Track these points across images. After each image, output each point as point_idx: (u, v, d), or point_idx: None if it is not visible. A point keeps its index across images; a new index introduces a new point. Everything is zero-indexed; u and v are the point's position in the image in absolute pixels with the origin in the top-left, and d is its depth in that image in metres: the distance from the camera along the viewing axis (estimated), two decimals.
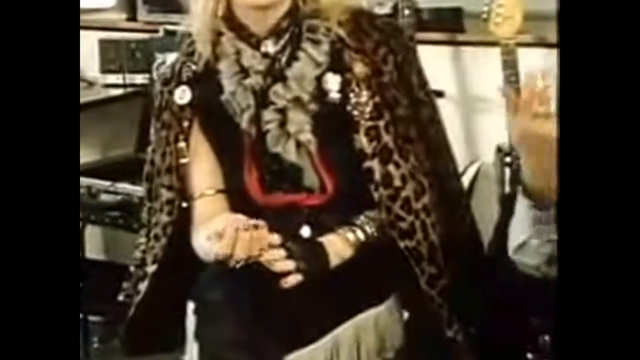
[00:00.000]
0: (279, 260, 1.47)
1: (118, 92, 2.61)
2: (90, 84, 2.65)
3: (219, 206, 1.58)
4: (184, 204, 1.59)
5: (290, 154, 1.54)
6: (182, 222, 1.59)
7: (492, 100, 2.28)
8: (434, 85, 1.66)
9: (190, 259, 1.58)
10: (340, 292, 1.52)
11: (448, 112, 2.05)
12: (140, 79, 2.60)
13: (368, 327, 1.53)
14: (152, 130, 1.64)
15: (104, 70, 2.65)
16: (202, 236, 1.51)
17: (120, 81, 2.63)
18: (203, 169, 1.59)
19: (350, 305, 1.53)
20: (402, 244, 1.52)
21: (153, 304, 1.60)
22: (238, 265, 1.42)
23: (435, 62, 2.17)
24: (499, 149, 2.23)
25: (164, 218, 1.58)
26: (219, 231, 1.40)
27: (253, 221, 1.43)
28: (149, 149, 1.65)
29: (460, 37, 2.41)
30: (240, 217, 1.45)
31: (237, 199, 1.59)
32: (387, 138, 1.52)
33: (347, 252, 1.54)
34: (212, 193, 1.59)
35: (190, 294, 1.54)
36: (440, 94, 2.20)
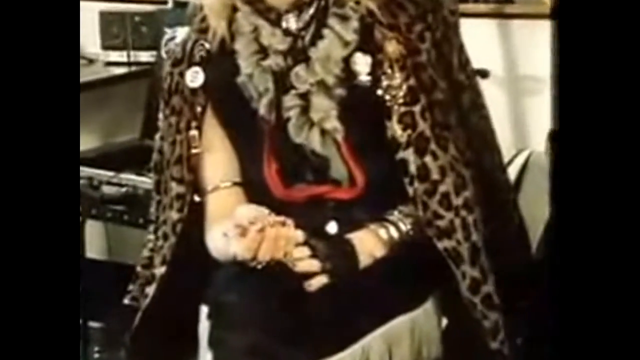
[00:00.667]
0: (302, 259, 1.49)
1: (121, 71, 2.61)
2: (90, 61, 2.65)
3: (236, 200, 1.60)
4: (196, 199, 1.62)
5: (314, 143, 1.55)
6: (194, 219, 1.61)
7: (543, 80, 2.28)
8: (477, 64, 1.67)
9: (204, 258, 1.60)
10: (371, 296, 1.54)
11: (493, 94, 2.06)
12: (146, 56, 2.59)
13: (402, 334, 1.55)
14: (160, 116, 1.66)
15: (106, 46, 2.64)
16: (217, 234, 1.53)
17: (123, 59, 2.62)
18: (217, 160, 1.62)
19: (382, 310, 1.54)
20: (440, 245, 1.53)
21: (162, 308, 1.62)
22: (259, 266, 1.45)
23: (479, 37, 2.17)
24: (552, 136, 2.22)
25: (174, 215, 1.61)
26: (240, 223, 1.42)
27: (279, 218, 1.46)
28: (157, 136, 1.68)
29: (509, 9, 2.41)
30: (264, 211, 1.47)
31: (255, 192, 1.61)
32: (423, 125, 1.53)
33: (379, 251, 1.55)
34: (227, 186, 1.61)
35: (204, 297, 1.57)
36: (484, 74, 2.21)
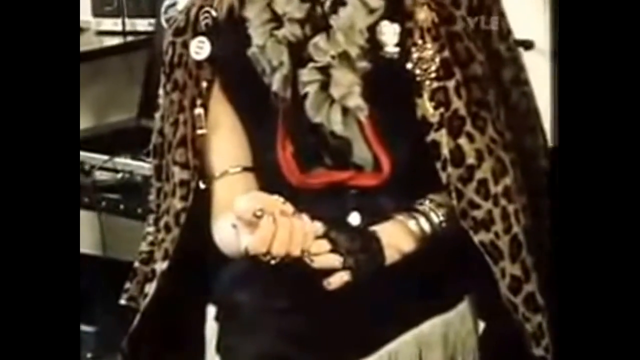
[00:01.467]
0: (321, 254, 1.50)
1: (115, 41, 2.59)
2: (81, 30, 2.64)
3: (246, 187, 1.61)
4: (202, 185, 1.64)
5: (335, 123, 1.57)
6: (200, 208, 1.63)
7: None
8: (520, 34, 1.68)
9: (211, 253, 1.63)
10: (398, 295, 1.55)
11: (537, 68, 2.05)
12: (143, 25, 2.58)
13: (433, 339, 1.56)
14: (160, 92, 1.68)
15: (98, 13, 2.62)
16: (225, 225, 1.54)
17: (118, 27, 2.60)
18: (226, 142, 1.64)
19: (411, 312, 1.56)
20: (476, 238, 1.54)
21: (164, 309, 1.64)
22: (273, 262, 1.45)
23: (523, 4, 2.17)
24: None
25: (177, 204, 1.63)
26: (242, 216, 1.43)
27: (292, 209, 1.46)
28: (157, 115, 1.69)
29: None
30: (278, 199, 1.47)
31: (268, 178, 1.63)
32: (457, 103, 1.54)
33: (408, 246, 1.57)
34: (237, 171, 1.63)
35: (211, 296, 1.59)
36: (528, 46, 2.21)
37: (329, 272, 1.52)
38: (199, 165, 1.63)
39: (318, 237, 1.50)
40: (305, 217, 1.47)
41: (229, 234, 1.52)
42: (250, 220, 1.43)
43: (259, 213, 1.43)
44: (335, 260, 1.52)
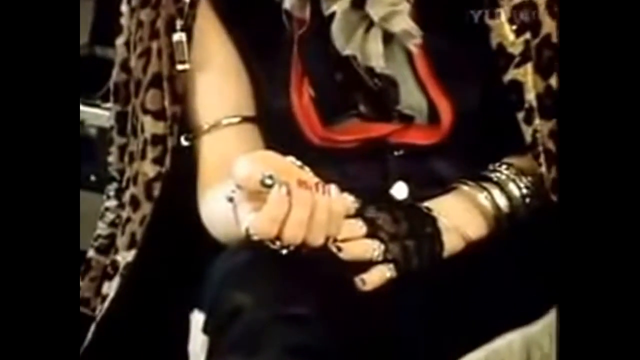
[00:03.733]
0: (353, 240, 1.53)
1: None
2: None
3: (248, 145, 1.65)
4: (184, 142, 1.69)
5: (373, 56, 1.59)
6: (181, 176, 1.69)
7: None
8: None
9: (196, 238, 1.67)
10: (462, 299, 1.57)
11: None
12: None
13: (510, 358, 1.53)
14: (123, 9, 1.73)
15: None
16: (217, 198, 1.56)
17: None
18: (218, 82, 1.68)
19: (480, 324, 1.55)
20: None
21: (130, 316, 1.69)
22: (285, 252, 1.47)
23: None
24: None
25: (149, 169, 1.68)
26: (255, 175, 1.42)
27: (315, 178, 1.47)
28: (119, 41, 1.74)
29: None
30: (294, 163, 1.48)
31: (278, 133, 1.66)
32: (550, 26, 1.57)
33: (476, 229, 1.61)
34: (234, 122, 1.67)
35: (197, 299, 1.59)
36: None
37: (364, 265, 1.56)
38: (179, 114, 1.68)
39: (349, 217, 1.52)
40: (333, 189, 1.47)
41: (222, 211, 1.54)
42: (254, 191, 1.45)
43: (268, 181, 1.45)
44: (372, 248, 1.56)
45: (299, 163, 1.49)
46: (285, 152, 1.52)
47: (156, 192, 1.68)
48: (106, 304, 1.69)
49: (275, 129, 1.69)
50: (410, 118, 1.64)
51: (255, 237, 1.46)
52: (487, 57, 1.59)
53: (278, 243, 1.46)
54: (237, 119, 1.68)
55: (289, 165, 1.47)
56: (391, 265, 1.57)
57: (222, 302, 1.51)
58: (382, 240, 1.55)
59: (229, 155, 1.57)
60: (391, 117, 1.65)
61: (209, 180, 1.67)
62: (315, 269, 1.50)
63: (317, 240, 1.47)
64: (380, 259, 1.56)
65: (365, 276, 1.55)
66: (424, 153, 1.65)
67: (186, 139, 1.70)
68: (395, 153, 1.66)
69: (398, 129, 1.64)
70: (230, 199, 1.49)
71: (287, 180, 1.44)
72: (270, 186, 1.44)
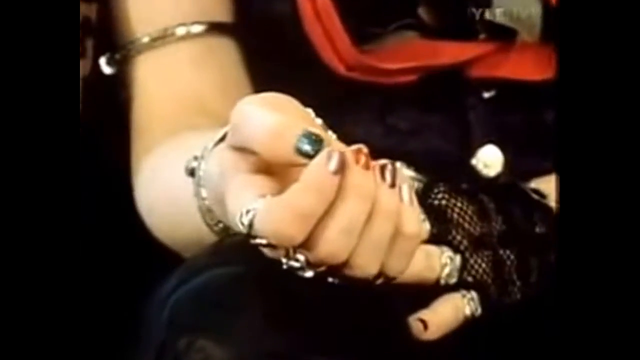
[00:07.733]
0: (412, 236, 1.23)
1: None
2: None
3: (218, 73, 1.45)
4: (106, 68, 1.46)
5: None
6: (99, 128, 1.52)
7: None
8: None
9: (128, 242, 1.49)
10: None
11: None
12: None
13: None
14: None
15: None
16: (164, 164, 1.40)
17: None
18: None
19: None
20: None
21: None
22: (310, 273, 1.15)
23: None
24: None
25: None
26: (290, 137, 1.13)
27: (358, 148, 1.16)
28: None
29: None
30: (313, 120, 1.18)
31: (275, 58, 1.45)
32: None
33: None
34: (196, 32, 1.46)
35: (142, 338, 1.32)
36: None
37: (424, 293, 1.28)
38: (94, 19, 1.53)
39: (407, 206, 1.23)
40: (405, 189, 1.16)
41: (178, 191, 1.32)
42: (270, 163, 1.16)
43: (306, 148, 1.13)
44: (441, 262, 1.26)
45: (319, 121, 1.16)
46: (289, 90, 1.17)
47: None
48: None
49: (269, 49, 1.43)
50: (510, 33, 1.36)
51: (259, 242, 1.12)
52: None
53: (301, 257, 1.10)
54: (200, 27, 1.43)
55: (310, 121, 1.16)
56: (473, 294, 1.27)
57: (192, 328, 1.21)
58: (456, 249, 1.26)
59: (187, 91, 1.40)
60: (476, 32, 1.36)
61: (150, 136, 1.42)
62: (347, 304, 1.21)
63: (368, 266, 1.13)
64: (453, 281, 1.25)
65: (427, 315, 1.25)
66: (532, 96, 1.38)
67: (110, 62, 1.43)
68: (485, 94, 1.37)
69: (488, 53, 1.37)
70: (192, 171, 1.19)
71: (339, 148, 1.10)
72: (311, 156, 1.08)
